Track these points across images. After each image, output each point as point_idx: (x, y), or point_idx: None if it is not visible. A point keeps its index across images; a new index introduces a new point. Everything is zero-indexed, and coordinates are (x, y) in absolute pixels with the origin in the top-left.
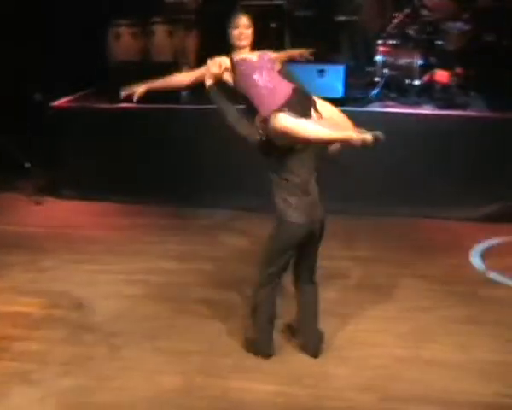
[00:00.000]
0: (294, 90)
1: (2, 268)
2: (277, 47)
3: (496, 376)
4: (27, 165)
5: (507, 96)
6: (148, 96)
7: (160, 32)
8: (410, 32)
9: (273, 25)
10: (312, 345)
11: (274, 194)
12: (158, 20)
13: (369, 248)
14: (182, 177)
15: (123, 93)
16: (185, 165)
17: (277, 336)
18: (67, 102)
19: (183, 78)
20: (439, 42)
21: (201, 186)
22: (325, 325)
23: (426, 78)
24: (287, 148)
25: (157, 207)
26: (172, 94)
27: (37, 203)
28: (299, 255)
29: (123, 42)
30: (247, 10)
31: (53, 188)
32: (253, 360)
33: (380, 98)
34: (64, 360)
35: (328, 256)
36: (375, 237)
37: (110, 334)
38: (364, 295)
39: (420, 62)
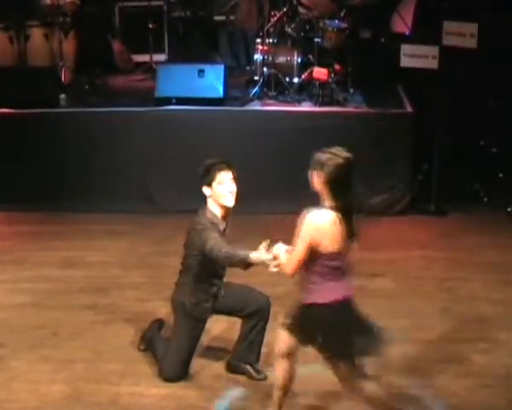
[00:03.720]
0: None
1: None
2: (156, 47)
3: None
4: None
5: (384, 91)
6: (25, 100)
7: (36, 35)
8: (289, 30)
9: (152, 25)
10: None
11: None
12: (34, 23)
13: None
14: (64, 181)
15: None
16: (67, 169)
17: None
18: None
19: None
20: (317, 39)
21: (85, 191)
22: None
23: (305, 75)
24: None
25: (39, 213)
26: (51, 97)
27: None
28: None
29: None
30: (126, 11)
31: None
32: (141, 365)
33: (259, 97)
34: None
35: None
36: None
37: None
38: None
39: (298, 60)
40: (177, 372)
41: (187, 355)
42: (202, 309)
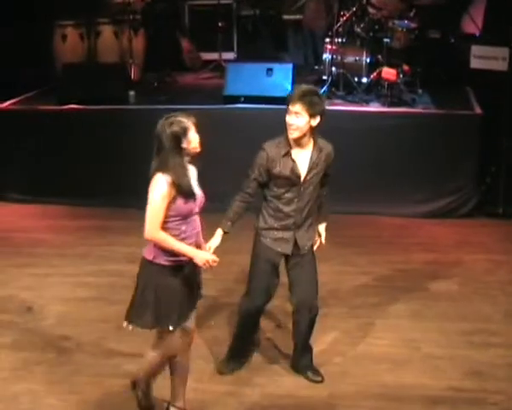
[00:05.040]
0: None
1: None
2: (225, 45)
3: (446, 370)
4: None
5: (453, 92)
6: (94, 97)
7: (106, 32)
8: (358, 30)
9: (221, 24)
10: None
11: None
12: (104, 20)
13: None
14: (131, 178)
15: None
16: (132, 166)
17: None
18: (12, 104)
19: None
20: (386, 40)
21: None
22: (272, 323)
23: (373, 75)
24: None
25: (104, 208)
26: (120, 94)
27: None
28: None
29: (69, 43)
30: (195, 9)
31: None
32: (204, 361)
33: (327, 96)
34: (13, 366)
35: None
36: None
37: (59, 338)
38: None
39: (367, 60)
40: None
41: None
42: None
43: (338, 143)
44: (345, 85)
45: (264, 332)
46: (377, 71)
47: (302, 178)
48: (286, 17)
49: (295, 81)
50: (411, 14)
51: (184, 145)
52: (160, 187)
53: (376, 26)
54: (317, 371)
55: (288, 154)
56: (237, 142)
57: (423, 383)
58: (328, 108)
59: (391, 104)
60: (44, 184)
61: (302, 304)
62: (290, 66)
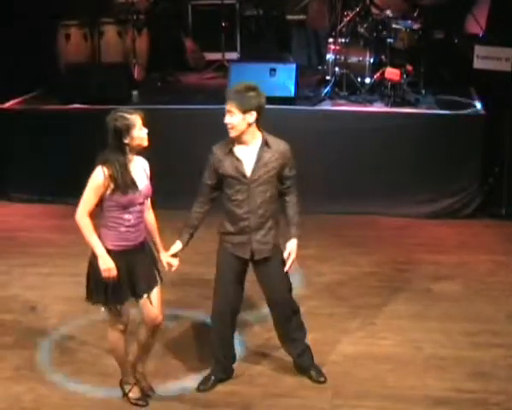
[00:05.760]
0: None
1: None
2: (228, 45)
3: (449, 370)
4: None
5: (456, 93)
6: (97, 96)
7: (109, 32)
8: (361, 30)
9: (224, 24)
10: None
11: None
12: (108, 20)
13: (316, 246)
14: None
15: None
16: None
17: None
18: (15, 104)
19: None
20: (390, 40)
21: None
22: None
23: (377, 76)
24: None
25: None
26: (123, 94)
27: None
28: None
29: (73, 42)
30: (199, 9)
31: (3, 191)
32: (210, 362)
33: (331, 96)
34: (16, 365)
35: None
36: (322, 235)
37: (62, 337)
38: (313, 293)
39: (371, 60)
40: None
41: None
42: None
43: (341, 143)
44: (348, 86)
45: (264, 332)
46: (380, 71)
47: (248, 177)
48: (289, 17)
49: (299, 81)
50: (415, 14)
51: (127, 141)
52: (94, 178)
53: (380, 27)
54: (319, 371)
55: (230, 152)
56: None
57: (426, 383)
58: (331, 108)
59: (394, 104)
60: (48, 183)
61: (272, 302)
62: (293, 66)
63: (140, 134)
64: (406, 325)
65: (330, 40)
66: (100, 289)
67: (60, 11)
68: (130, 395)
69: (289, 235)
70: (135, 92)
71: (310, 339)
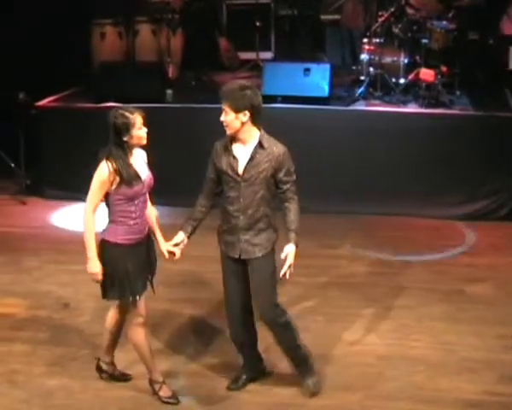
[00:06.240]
0: None
1: None
2: (263, 45)
3: (481, 373)
4: (12, 165)
5: (491, 94)
6: (132, 95)
7: (144, 31)
8: (396, 30)
9: (259, 23)
10: None
11: None
12: (142, 19)
13: (347, 247)
14: (161, 178)
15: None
16: (174, 164)
17: None
18: (51, 101)
19: None
20: (424, 40)
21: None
22: (309, 323)
23: (411, 76)
24: None
25: None
26: (157, 93)
27: (22, 203)
28: None
29: (108, 41)
30: (233, 8)
31: (37, 188)
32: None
33: (365, 97)
34: (48, 361)
35: (307, 255)
36: (354, 236)
37: (94, 334)
38: (346, 293)
39: (405, 61)
40: None
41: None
42: None
43: (375, 144)
44: (382, 86)
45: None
46: (415, 72)
47: (241, 175)
48: (324, 17)
49: (333, 81)
50: (450, 14)
51: (126, 139)
52: (100, 173)
53: (414, 27)
54: (317, 383)
55: (228, 149)
56: None
57: (458, 386)
58: (365, 108)
59: (428, 105)
60: (82, 181)
61: (255, 307)
62: (328, 66)
63: (139, 133)
64: (439, 327)
65: (365, 40)
66: (115, 284)
67: (95, 10)
68: (161, 393)
69: (288, 237)
70: (169, 91)
71: (341, 339)
